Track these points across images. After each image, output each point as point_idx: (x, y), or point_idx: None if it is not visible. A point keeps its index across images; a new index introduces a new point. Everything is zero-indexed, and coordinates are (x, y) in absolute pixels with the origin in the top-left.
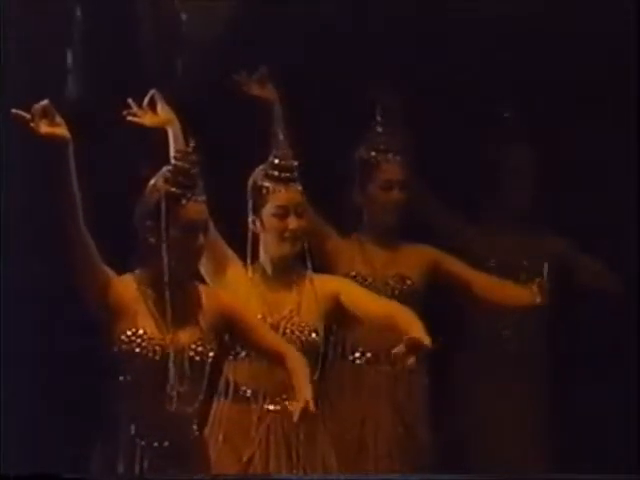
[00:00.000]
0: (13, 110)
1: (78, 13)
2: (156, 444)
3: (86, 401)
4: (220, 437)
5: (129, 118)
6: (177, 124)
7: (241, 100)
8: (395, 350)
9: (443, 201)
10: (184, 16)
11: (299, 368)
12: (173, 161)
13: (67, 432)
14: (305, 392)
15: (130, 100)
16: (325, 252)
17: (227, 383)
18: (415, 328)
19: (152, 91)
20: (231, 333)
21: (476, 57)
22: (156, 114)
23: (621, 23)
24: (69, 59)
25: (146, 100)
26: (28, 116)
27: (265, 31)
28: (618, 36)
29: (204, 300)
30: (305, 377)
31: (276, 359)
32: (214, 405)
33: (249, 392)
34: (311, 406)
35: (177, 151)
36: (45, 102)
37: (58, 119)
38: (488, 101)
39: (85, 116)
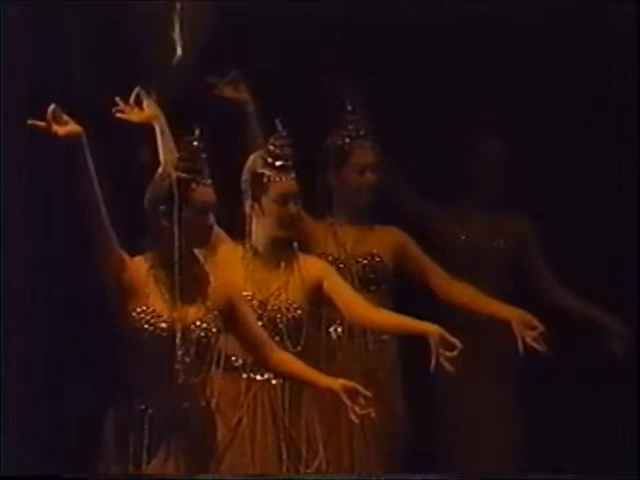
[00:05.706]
0: (29, 121)
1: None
2: (164, 412)
3: (97, 376)
4: (212, 405)
5: (117, 115)
6: (163, 119)
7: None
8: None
9: (413, 183)
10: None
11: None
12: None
13: (75, 418)
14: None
15: (117, 98)
16: (298, 234)
17: (219, 354)
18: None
19: (137, 89)
20: (226, 318)
21: (447, 43)
22: (142, 110)
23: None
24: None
25: (132, 97)
26: (44, 124)
27: (239, 28)
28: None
29: (211, 280)
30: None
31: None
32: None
33: (239, 362)
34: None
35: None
36: (52, 106)
37: (65, 117)
38: (459, 87)
39: (88, 106)
